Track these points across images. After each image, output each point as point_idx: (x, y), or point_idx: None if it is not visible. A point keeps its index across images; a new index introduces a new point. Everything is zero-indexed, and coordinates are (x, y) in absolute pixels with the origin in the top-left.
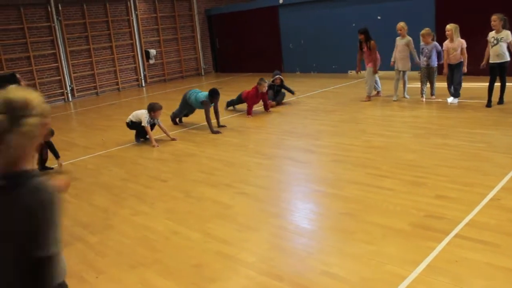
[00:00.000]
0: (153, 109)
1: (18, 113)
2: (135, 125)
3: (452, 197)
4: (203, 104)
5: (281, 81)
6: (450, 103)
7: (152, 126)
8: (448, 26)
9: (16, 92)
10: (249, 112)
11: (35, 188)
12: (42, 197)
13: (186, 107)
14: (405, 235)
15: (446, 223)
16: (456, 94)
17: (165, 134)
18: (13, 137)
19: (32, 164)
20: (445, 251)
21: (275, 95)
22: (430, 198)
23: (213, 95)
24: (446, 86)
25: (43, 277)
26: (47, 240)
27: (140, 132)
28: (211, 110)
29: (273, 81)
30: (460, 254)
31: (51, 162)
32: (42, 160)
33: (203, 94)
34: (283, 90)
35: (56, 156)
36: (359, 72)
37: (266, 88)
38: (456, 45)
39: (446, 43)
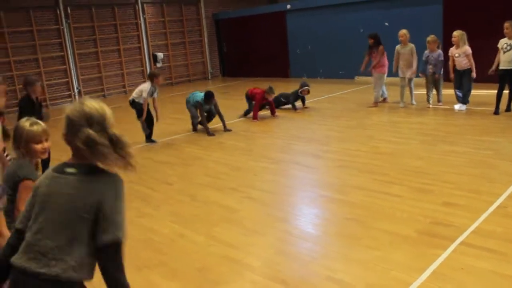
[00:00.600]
0: (154, 75)
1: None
2: (135, 105)
3: (458, 204)
4: (196, 105)
5: (308, 92)
6: (458, 109)
7: (152, 94)
8: (455, 33)
9: (95, 106)
10: (255, 115)
11: (108, 177)
12: (113, 186)
13: (192, 109)
14: (411, 241)
15: (452, 230)
16: (465, 101)
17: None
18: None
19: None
20: (451, 259)
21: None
22: (436, 205)
23: (207, 97)
24: (454, 92)
25: (114, 259)
26: (116, 225)
27: (140, 112)
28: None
29: (300, 92)
30: (466, 262)
31: None
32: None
33: (200, 95)
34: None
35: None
36: (362, 71)
37: (273, 97)
38: (461, 51)
39: (452, 49)
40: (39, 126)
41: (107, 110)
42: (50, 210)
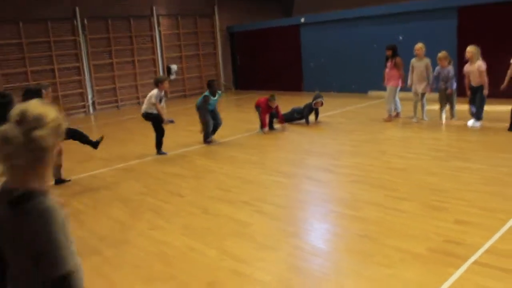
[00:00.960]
0: (159, 80)
1: (31, 125)
2: (148, 116)
3: (472, 222)
4: (204, 99)
5: (322, 104)
6: (471, 126)
7: (161, 101)
8: (469, 48)
9: (34, 106)
10: (263, 121)
11: (38, 209)
12: (45, 219)
13: (202, 113)
14: (423, 259)
15: (465, 249)
16: (478, 117)
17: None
18: (22, 149)
19: (42, 182)
20: (464, 278)
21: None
22: (449, 222)
23: (210, 84)
24: (467, 108)
25: None
26: (57, 260)
27: (156, 123)
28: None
29: (314, 104)
30: (479, 282)
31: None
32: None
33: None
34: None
35: None
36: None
37: (276, 104)
38: (475, 68)
39: (466, 66)
40: None
41: None
42: None
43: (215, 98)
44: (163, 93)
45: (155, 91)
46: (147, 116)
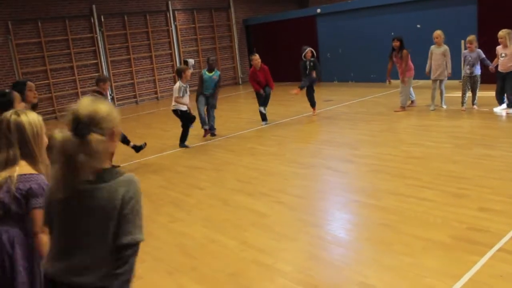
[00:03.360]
0: (180, 71)
1: (84, 131)
2: (175, 112)
3: (496, 209)
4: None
5: (313, 54)
6: (500, 111)
7: (184, 94)
8: (500, 33)
9: (84, 106)
10: (253, 87)
11: (125, 181)
12: (133, 189)
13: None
14: (446, 248)
15: (489, 236)
16: (510, 104)
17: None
18: (82, 157)
19: (111, 161)
20: (489, 266)
21: (308, 74)
22: (472, 210)
23: (207, 60)
24: (488, 95)
25: (125, 263)
26: (136, 228)
27: (184, 118)
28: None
29: (304, 56)
30: (505, 269)
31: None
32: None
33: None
34: (314, 75)
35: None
36: (390, 82)
37: (259, 61)
38: (508, 51)
39: (499, 48)
40: None
41: None
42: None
43: (211, 74)
44: (187, 85)
45: (177, 84)
46: (174, 112)
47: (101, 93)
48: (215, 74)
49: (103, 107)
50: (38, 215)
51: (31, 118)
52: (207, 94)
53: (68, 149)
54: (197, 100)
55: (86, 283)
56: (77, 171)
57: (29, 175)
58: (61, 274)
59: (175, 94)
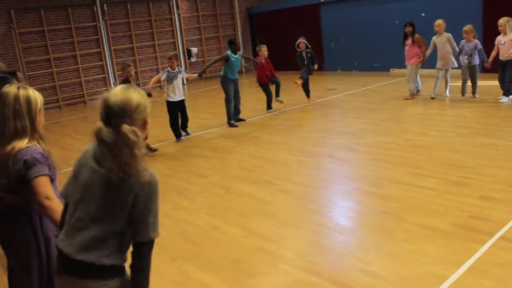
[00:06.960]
0: (168, 58)
1: (117, 122)
2: (169, 105)
3: (497, 198)
4: (224, 57)
5: (307, 46)
6: (505, 101)
7: (171, 79)
8: (500, 21)
9: (115, 96)
10: (266, 82)
11: (149, 181)
12: (154, 190)
13: (225, 85)
14: (448, 235)
15: (491, 224)
16: (508, 93)
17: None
18: (121, 149)
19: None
20: (489, 253)
21: (307, 65)
22: (474, 198)
23: (231, 42)
24: (489, 84)
25: (142, 258)
26: (154, 226)
27: (173, 115)
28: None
29: (297, 46)
30: (506, 257)
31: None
32: None
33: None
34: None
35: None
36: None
37: (266, 52)
38: (507, 39)
39: (498, 37)
40: None
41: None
42: None
43: (236, 56)
44: (177, 70)
45: (161, 72)
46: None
47: (128, 80)
48: (239, 56)
49: (136, 97)
50: (40, 182)
51: (36, 94)
52: (235, 80)
53: (106, 140)
54: (228, 92)
55: (89, 259)
56: (119, 160)
57: (25, 149)
58: (70, 249)
59: (161, 77)
